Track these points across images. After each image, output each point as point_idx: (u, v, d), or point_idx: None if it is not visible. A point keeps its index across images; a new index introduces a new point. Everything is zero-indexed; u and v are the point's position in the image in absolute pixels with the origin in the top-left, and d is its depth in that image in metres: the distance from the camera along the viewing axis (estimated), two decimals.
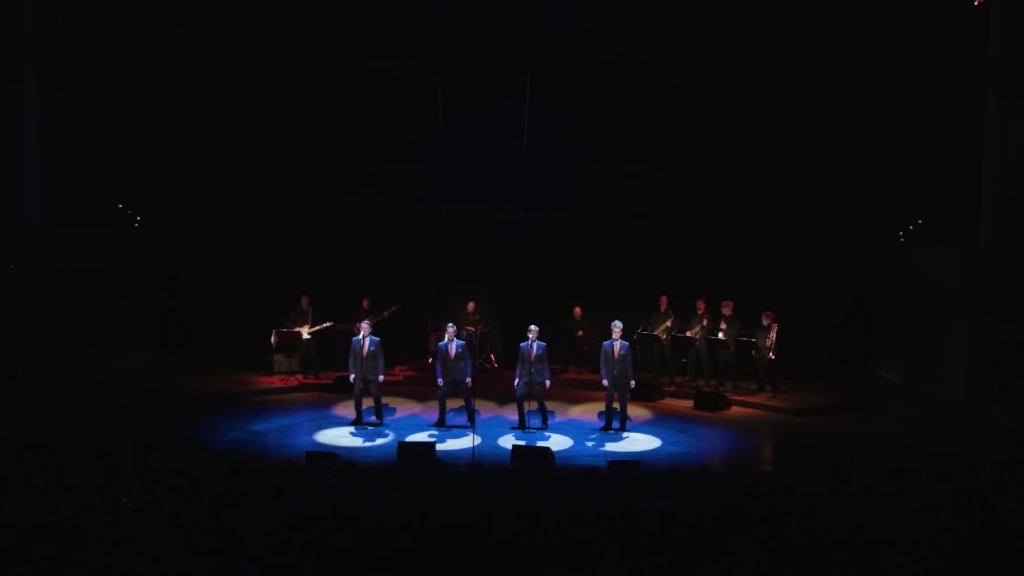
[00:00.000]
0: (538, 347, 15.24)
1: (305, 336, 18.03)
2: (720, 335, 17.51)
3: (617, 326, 15.26)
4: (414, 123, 19.67)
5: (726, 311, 17.60)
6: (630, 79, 19.41)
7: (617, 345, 15.18)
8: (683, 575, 7.75)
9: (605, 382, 15.19)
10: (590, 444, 14.68)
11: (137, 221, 19.32)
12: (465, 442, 14.30)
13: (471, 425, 15.14)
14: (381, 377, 15.44)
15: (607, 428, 15.30)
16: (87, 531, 8.26)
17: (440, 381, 15.39)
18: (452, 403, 15.66)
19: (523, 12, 19.08)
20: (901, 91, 17.95)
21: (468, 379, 15.31)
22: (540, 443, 14.35)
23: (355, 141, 19.79)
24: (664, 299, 18.29)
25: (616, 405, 15.30)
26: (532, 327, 15.34)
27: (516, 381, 15.32)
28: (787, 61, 18.53)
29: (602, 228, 19.71)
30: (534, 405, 15.32)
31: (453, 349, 15.37)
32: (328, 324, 18.03)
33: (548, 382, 15.36)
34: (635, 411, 16.63)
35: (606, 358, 15.20)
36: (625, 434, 15.16)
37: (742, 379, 17.73)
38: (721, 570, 7.73)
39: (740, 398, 17.26)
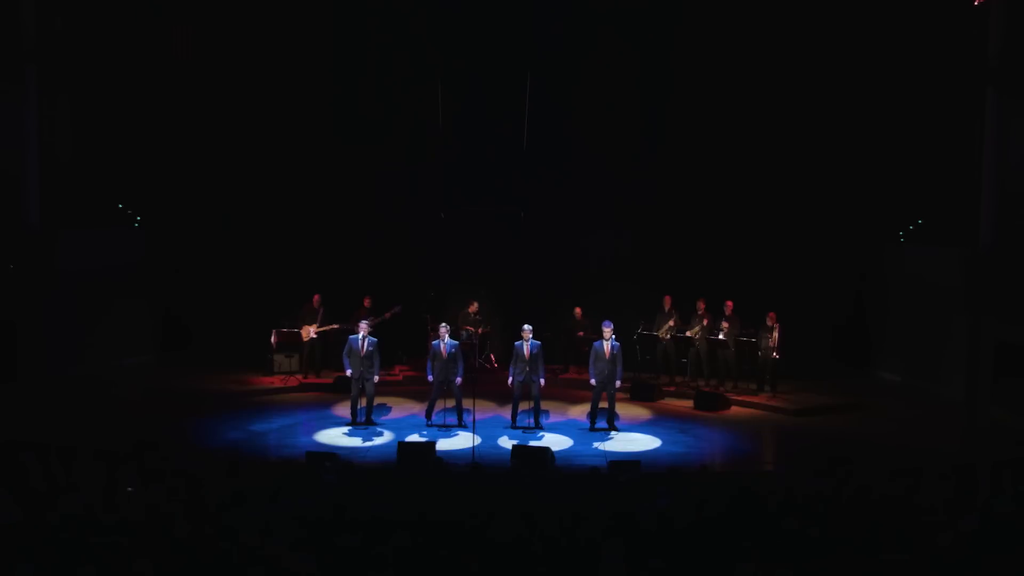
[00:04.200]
0: (532, 346, 15.27)
1: (312, 335, 18.03)
2: (721, 335, 17.52)
3: (608, 326, 15.30)
4: (414, 123, 19.65)
5: (727, 311, 17.60)
6: (631, 78, 19.40)
7: (607, 345, 15.20)
8: (683, 575, 7.75)
9: (593, 381, 15.22)
10: (597, 445, 14.69)
11: (137, 221, 19.32)
12: (465, 442, 14.30)
13: (460, 424, 15.27)
14: (376, 378, 15.45)
15: (592, 428, 15.34)
16: (87, 531, 8.26)
17: (430, 378, 15.46)
18: (444, 403, 15.65)
19: (523, 11, 19.09)
20: (901, 91, 17.95)
21: (459, 379, 15.34)
22: (533, 442, 14.36)
23: (355, 141, 19.77)
24: (668, 299, 18.29)
25: (604, 405, 15.35)
26: (526, 326, 15.39)
27: (510, 380, 15.41)
28: (788, 61, 18.52)
29: (603, 228, 19.68)
30: (530, 404, 15.36)
31: (445, 349, 15.40)
32: (336, 326, 18.01)
33: (543, 381, 15.38)
34: (635, 411, 16.67)
35: (596, 358, 15.25)
36: (613, 433, 15.17)
37: (742, 379, 17.74)
38: (721, 570, 7.73)
39: (740, 398, 17.26)
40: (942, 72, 17.32)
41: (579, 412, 16.42)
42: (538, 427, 15.33)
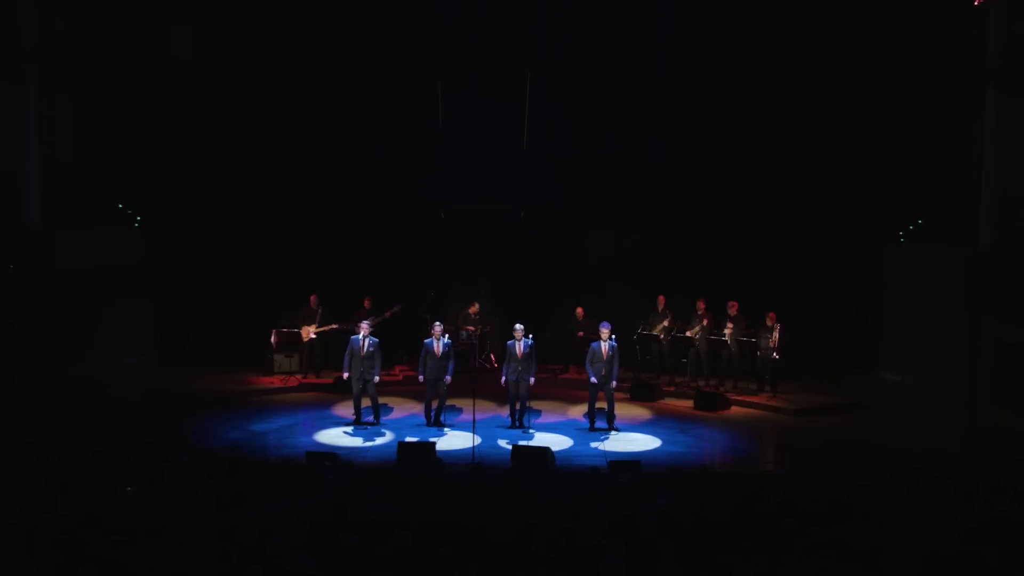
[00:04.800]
0: (524, 345, 15.28)
1: (311, 335, 18.03)
2: (726, 335, 17.51)
3: (606, 327, 15.32)
4: (414, 122, 19.64)
5: (731, 311, 17.60)
6: (630, 78, 19.38)
7: (605, 346, 15.22)
8: (683, 575, 7.75)
9: (593, 379, 15.25)
10: (594, 445, 14.69)
11: (137, 221, 19.32)
12: (465, 442, 14.30)
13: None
14: (377, 378, 15.46)
15: (592, 428, 15.36)
16: (87, 531, 8.26)
17: (421, 378, 15.52)
18: (434, 402, 15.67)
19: (523, 10, 19.08)
20: (901, 91, 17.94)
21: (448, 378, 15.38)
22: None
23: (355, 140, 19.76)
24: (662, 298, 18.30)
25: (601, 404, 15.38)
26: (517, 325, 15.43)
27: (503, 379, 15.45)
28: (789, 61, 18.49)
29: (603, 227, 19.67)
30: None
31: (439, 347, 15.40)
32: (335, 326, 18.01)
33: (533, 380, 15.39)
34: (635, 411, 16.67)
35: (593, 358, 15.30)
36: (613, 432, 15.18)
37: (742, 379, 17.74)
38: (721, 570, 7.72)
39: (740, 398, 17.26)
40: (942, 72, 17.32)
41: (578, 412, 16.42)
42: (521, 426, 15.30)
